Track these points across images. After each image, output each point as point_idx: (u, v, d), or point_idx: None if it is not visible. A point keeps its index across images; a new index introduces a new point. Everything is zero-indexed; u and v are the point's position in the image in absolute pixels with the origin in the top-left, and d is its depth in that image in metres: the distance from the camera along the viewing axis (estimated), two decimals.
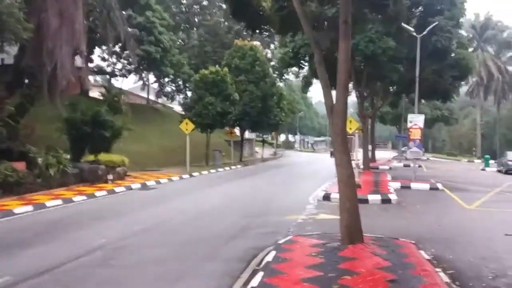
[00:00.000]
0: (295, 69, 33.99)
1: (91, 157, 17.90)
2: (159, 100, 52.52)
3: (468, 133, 67.74)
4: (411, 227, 10.35)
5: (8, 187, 12.82)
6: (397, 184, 18.26)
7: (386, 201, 14.02)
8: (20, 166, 13.52)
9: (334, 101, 7.45)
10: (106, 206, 13.28)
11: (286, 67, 25.56)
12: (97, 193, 14.87)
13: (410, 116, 19.16)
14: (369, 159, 26.91)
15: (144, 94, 55.37)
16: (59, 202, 12.91)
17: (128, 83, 48.42)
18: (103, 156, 17.88)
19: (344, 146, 7.34)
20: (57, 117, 20.57)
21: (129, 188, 16.73)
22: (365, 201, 13.89)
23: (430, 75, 22.27)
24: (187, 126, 23.47)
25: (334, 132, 7.39)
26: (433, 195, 16.46)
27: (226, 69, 29.55)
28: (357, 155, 16.30)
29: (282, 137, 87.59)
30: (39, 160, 14.49)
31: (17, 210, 11.34)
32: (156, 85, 50.66)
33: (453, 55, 22.70)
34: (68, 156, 15.85)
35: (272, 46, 52.05)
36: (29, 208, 11.71)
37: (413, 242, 8.16)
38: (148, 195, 15.86)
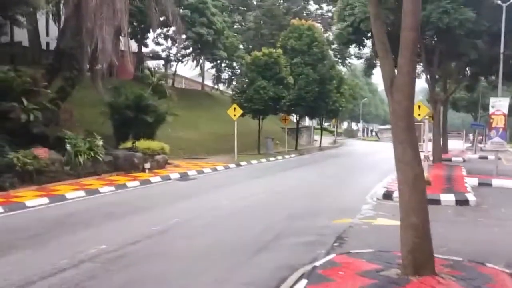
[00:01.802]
0: (357, 50, 31.34)
1: (128, 144, 16.69)
2: (217, 86, 51.39)
3: None
4: (498, 241, 7.89)
5: (27, 176, 11.76)
6: (474, 180, 15.41)
7: (462, 202, 11.45)
8: (43, 152, 12.42)
9: (396, 72, 5.27)
10: (133, 199, 11.86)
11: (345, 44, 22.94)
12: (129, 184, 13.57)
13: (492, 100, 16.11)
14: (440, 150, 23.78)
15: (205, 81, 54.67)
16: (81, 193, 11.69)
17: (187, 70, 47.72)
18: (141, 143, 16.62)
19: (410, 135, 5.14)
20: (103, 101, 19.72)
21: (166, 178, 15.32)
22: (436, 201, 11.41)
23: None
24: (235, 112, 21.76)
25: (395, 114, 5.21)
26: None
27: (280, 50, 27.42)
28: (427, 146, 13.70)
29: (344, 125, 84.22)
30: (68, 146, 13.36)
31: (30, 202, 10.17)
32: (214, 71, 49.82)
33: None
34: (101, 142, 14.63)
35: (334, 28, 49.05)
36: (44, 200, 10.53)
37: (507, 271, 5.81)
38: (185, 186, 14.35)
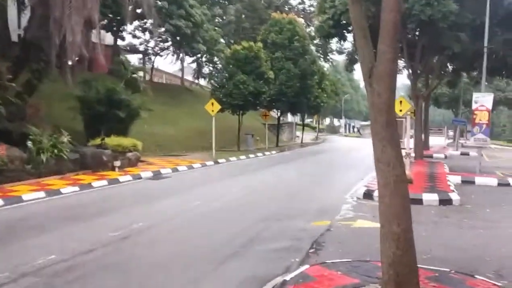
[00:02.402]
0: (338, 45, 30.82)
1: (98, 141, 15.79)
2: (198, 81, 50.38)
3: None
4: (485, 246, 7.35)
5: None
6: (457, 178, 15.00)
7: (445, 202, 10.95)
8: (0, 149, 11.51)
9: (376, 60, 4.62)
10: (97, 200, 11.02)
11: (326, 37, 22.30)
12: (96, 183, 12.72)
13: (475, 96, 15.68)
14: (422, 146, 23.42)
15: (186, 76, 53.57)
16: (41, 194, 10.81)
17: (168, 64, 46.79)
18: (111, 140, 15.72)
19: (390, 131, 4.49)
20: (73, 95, 18.74)
21: (137, 177, 14.51)
22: (419, 201, 10.91)
23: (499, 47, 18.46)
24: (213, 107, 20.95)
25: (374, 108, 4.55)
26: (504, 193, 13.13)
27: (260, 44, 26.69)
28: (408, 142, 13.18)
29: (326, 121, 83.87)
30: (29, 143, 12.45)
31: None
32: (194, 66, 48.83)
33: None
34: (67, 139, 13.74)
35: (316, 22, 48.44)
36: None
37: (498, 285, 5.23)
38: (156, 186, 13.55)
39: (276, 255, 6.70)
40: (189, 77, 52.41)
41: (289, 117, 54.54)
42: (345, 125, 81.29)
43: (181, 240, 7.53)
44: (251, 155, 24.24)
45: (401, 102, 15.73)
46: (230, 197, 11.59)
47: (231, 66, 25.83)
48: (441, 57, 21.92)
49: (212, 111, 20.98)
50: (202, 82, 50.10)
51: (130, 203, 10.60)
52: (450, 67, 25.67)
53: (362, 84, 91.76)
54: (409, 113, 15.56)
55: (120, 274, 5.90)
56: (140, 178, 14.60)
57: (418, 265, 5.18)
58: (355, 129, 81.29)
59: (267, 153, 26.53)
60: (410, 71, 21.96)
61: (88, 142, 16.40)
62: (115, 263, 6.27)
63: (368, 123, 70.69)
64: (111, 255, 6.65)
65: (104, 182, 13.06)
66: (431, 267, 5.60)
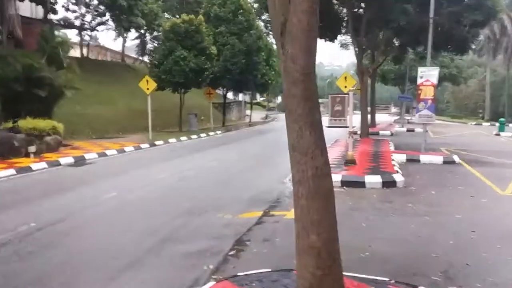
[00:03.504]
0: None
1: (9, 124, 13.90)
2: (141, 58, 47.81)
3: (474, 94, 63.27)
4: (432, 238, 6.49)
5: None
6: (402, 157, 14.41)
7: (389, 184, 10.16)
8: None
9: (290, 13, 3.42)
10: None
11: (266, 9, 21.04)
12: (0, 173, 10.99)
13: (421, 70, 15.00)
14: (367, 124, 22.89)
15: (130, 53, 50.69)
16: None
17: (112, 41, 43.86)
18: (25, 122, 13.89)
19: (309, 109, 3.34)
20: None
21: (54, 164, 12.85)
22: (361, 184, 10.11)
23: (445, 20, 17.91)
24: (148, 85, 19.31)
25: (288, 76, 3.38)
26: (450, 172, 12.59)
27: (201, 17, 25.03)
28: (351, 120, 12.29)
29: (278, 100, 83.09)
30: None
31: None
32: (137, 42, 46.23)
33: None
34: None
35: None
36: None
37: None
38: (73, 174, 11.99)
39: (187, 261, 5.52)
40: (133, 54, 49.80)
41: (240, 96, 53.20)
42: None
43: (77, 243, 6.19)
44: (193, 136, 22.87)
45: (345, 77, 14.89)
46: (154, 186, 10.26)
47: (170, 41, 24.07)
48: (387, 31, 21.24)
49: (147, 89, 19.34)
50: (147, 59, 47.65)
51: (32, 197, 9.03)
52: (396, 43, 25.14)
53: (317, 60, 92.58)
54: (354, 89, 14.74)
55: None
56: (59, 165, 12.96)
57: (350, 274, 4.19)
58: None
59: (211, 133, 25.23)
60: (356, 46, 21.14)
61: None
62: None
63: (320, 101, 71.43)
64: None
65: (12, 172, 11.35)
66: (366, 276, 4.59)
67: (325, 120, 17.75)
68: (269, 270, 4.67)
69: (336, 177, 10.33)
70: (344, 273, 3.70)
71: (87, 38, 39.84)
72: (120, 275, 5.04)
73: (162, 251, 5.89)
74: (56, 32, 27.42)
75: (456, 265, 5.36)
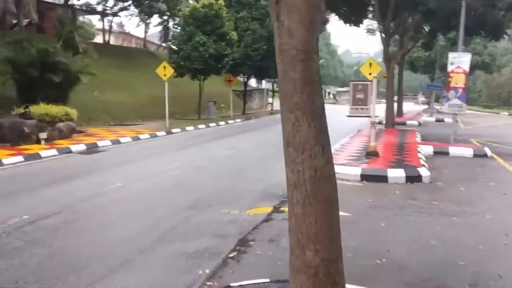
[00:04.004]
0: None
1: (21, 109, 13.65)
2: (165, 45, 47.53)
3: (507, 83, 60.65)
4: (460, 242, 5.77)
5: None
6: (429, 149, 13.52)
7: (413, 178, 9.38)
8: None
9: None
10: None
11: None
12: (7, 160, 10.71)
13: (451, 56, 13.98)
14: (393, 113, 21.86)
15: (154, 40, 50.57)
16: None
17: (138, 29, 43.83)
18: (37, 108, 13.60)
19: (307, 94, 2.69)
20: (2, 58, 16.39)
21: (65, 151, 12.53)
22: (383, 179, 9.36)
23: (478, 3, 16.70)
24: (166, 71, 18.83)
25: (283, 54, 2.75)
26: (481, 166, 11.67)
27: (221, 2, 24.29)
28: (374, 109, 11.48)
29: None
30: None
31: None
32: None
33: None
34: None
35: None
36: None
37: None
38: (82, 162, 11.63)
39: (181, 263, 4.98)
40: (157, 41, 49.67)
41: (264, 83, 52.35)
42: None
43: (61, 243, 5.61)
44: (212, 124, 22.36)
45: (370, 64, 14.01)
46: (163, 177, 9.77)
47: (190, 26, 23.49)
48: (416, 16, 20.08)
49: (164, 75, 18.86)
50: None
51: (32, 186, 8.64)
52: (425, 28, 23.88)
53: (340, 49, 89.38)
54: (379, 76, 13.89)
55: None
56: (70, 152, 12.64)
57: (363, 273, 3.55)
58: (331, 95, 79.75)
59: (230, 121, 24.67)
60: (382, 30, 20.10)
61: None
62: None
63: (344, 89, 68.42)
64: None
65: (19, 159, 11.05)
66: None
67: (346, 108, 17.19)
68: (267, 280, 4.06)
69: (356, 170, 9.65)
70: (349, 286, 3.08)
71: (112, 24, 39.80)
72: (102, 279, 4.53)
73: (155, 251, 5.37)
74: (80, 18, 27.28)
75: (487, 276, 4.67)
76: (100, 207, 7.28)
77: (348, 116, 14.41)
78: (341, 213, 7.14)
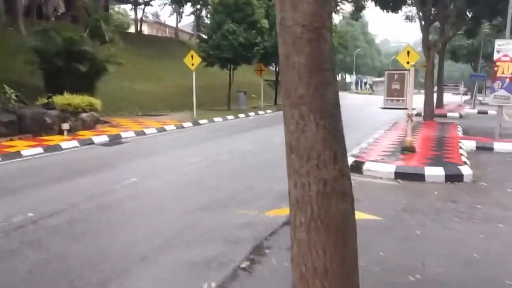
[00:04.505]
0: None
1: (44, 99, 13.48)
2: (197, 34, 47.28)
3: None
4: (505, 256, 4.95)
5: None
6: (471, 144, 12.44)
7: (454, 178, 8.48)
8: None
9: None
10: (7, 176, 8.83)
11: None
12: (26, 152, 10.50)
13: (498, 43, 12.80)
14: (433, 105, 20.62)
15: (187, 29, 50.47)
16: None
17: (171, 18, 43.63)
18: (60, 98, 13.40)
19: (315, 85, 2.02)
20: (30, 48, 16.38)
21: (86, 143, 12.27)
22: (419, 177, 8.51)
23: None
24: (193, 60, 18.36)
25: (285, 31, 2.09)
26: None
27: None
28: (411, 101, 10.55)
29: (337, 77, 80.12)
30: None
31: None
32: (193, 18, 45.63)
33: None
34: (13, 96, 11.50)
35: None
36: None
37: None
38: (102, 154, 11.29)
39: (185, 274, 4.43)
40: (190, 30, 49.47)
41: None
42: (357, 82, 77.63)
43: (58, 246, 5.13)
44: (241, 115, 21.80)
45: (408, 52, 13.07)
46: (181, 172, 9.27)
47: (219, 14, 22.92)
48: (458, 1, 18.73)
49: (192, 64, 18.40)
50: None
51: (45, 180, 8.31)
52: (468, 14, 22.38)
53: (377, 38, 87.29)
54: (418, 65, 12.88)
55: None
56: (92, 143, 12.37)
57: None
58: (367, 86, 77.80)
59: (260, 112, 24.05)
60: (421, 16, 18.87)
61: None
62: None
63: (381, 79, 66.72)
64: None
65: (39, 150, 10.83)
66: None
67: (380, 99, 16.20)
68: None
69: (390, 167, 8.84)
70: None
71: (148, 14, 39.79)
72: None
73: (158, 258, 4.83)
74: (116, 8, 26.95)
75: None
76: (107, 206, 6.80)
77: (383, 108, 13.48)
78: (371, 216, 6.38)
